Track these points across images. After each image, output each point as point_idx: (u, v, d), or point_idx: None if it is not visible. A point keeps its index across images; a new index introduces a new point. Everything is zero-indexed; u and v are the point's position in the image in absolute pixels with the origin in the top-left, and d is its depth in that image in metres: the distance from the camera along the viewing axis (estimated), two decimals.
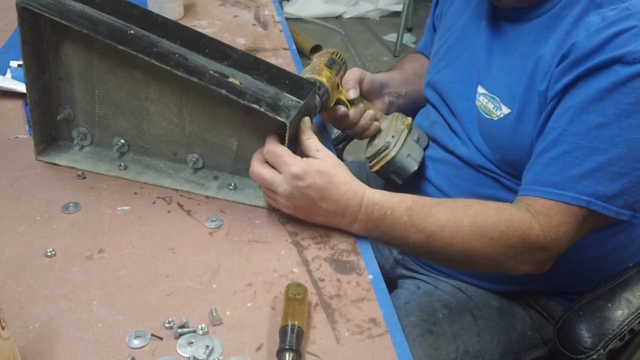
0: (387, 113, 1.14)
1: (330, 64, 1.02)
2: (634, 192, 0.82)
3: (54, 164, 0.97)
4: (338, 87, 1.02)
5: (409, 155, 1.04)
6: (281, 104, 0.84)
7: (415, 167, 1.04)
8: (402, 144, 1.04)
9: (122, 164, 0.97)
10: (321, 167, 0.82)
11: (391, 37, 3.75)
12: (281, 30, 1.54)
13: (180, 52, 0.86)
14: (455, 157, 1.03)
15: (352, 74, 1.06)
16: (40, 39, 0.91)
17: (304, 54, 3.31)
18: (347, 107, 1.03)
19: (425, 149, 1.08)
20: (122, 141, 0.98)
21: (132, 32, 0.86)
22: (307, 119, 0.89)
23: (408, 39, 3.71)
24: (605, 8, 0.83)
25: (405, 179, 1.04)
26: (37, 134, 0.96)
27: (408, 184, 1.06)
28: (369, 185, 0.86)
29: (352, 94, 1.03)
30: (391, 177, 1.05)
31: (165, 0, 1.52)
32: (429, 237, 0.84)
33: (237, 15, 1.62)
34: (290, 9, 3.86)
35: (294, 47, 1.46)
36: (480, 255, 0.85)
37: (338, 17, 3.98)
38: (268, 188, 0.85)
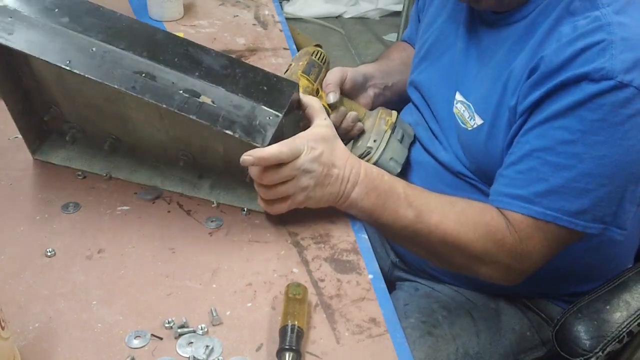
0: (374, 106, 1.11)
1: (308, 70, 0.99)
2: (602, 207, 0.81)
3: (49, 162, 0.97)
4: (318, 93, 1.00)
5: (391, 159, 1.03)
6: (257, 122, 0.79)
7: (398, 170, 1.03)
8: (384, 148, 1.02)
9: (114, 163, 0.96)
10: (322, 133, 0.83)
11: (391, 37, 3.74)
12: (281, 30, 1.54)
13: (147, 69, 0.80)
14: (436, 161, 1.02)
15: (332, 77, 1.03)
16: (8, 51, 0.83)
17: None
18: (328, 113, 0.99)
19: (412, 144, 1.07)
20: (113, 137, 0.96)
21: (94, 49, 0.80)
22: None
23: None
24: (579, 16, 0.81)
25: None
26: (26, 136, 0.95)
27: None
28: None
29: (332, 97, 1.01)
30: None
31: (165, 0, 1.52)
32: (417, 217, 0.85)
33: (237, 15, 1.62)
34: (290, 9, 3.86)
35: (294, 46, 1.46)
36: (458, 252, 0.86)
37: (338, 17, 3.97)
38: (288, 169, 0.80)
